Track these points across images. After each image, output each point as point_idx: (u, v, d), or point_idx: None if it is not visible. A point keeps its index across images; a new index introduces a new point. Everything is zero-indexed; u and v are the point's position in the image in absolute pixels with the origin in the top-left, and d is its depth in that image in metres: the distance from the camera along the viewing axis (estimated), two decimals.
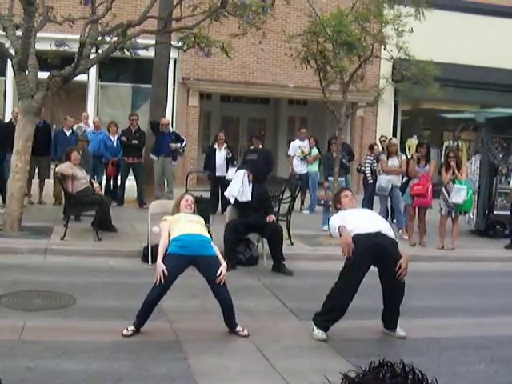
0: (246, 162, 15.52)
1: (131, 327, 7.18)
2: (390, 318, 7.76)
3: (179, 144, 17.17)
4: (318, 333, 7.47)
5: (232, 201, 11.56)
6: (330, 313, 7.47)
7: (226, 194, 11.74)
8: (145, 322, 7.25)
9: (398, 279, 7.37)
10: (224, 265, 7.43)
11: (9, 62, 13.88)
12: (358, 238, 7.46)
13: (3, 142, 14.53)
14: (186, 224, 7.68)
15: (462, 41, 23.07)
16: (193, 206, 8.13)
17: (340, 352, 7.10)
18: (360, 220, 7.75)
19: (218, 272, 7.30)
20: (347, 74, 13.51)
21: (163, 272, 7.09)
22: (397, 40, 13.09)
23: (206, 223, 11.62)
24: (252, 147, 17.15)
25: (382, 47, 13.82)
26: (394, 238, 7.83)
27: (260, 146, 17.15)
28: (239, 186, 11.48)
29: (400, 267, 7.31)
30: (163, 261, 7.25)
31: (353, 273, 7.37)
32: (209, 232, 11.06)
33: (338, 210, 8.30)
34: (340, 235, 7.54)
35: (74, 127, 17.08)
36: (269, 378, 6.28)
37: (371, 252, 7.41)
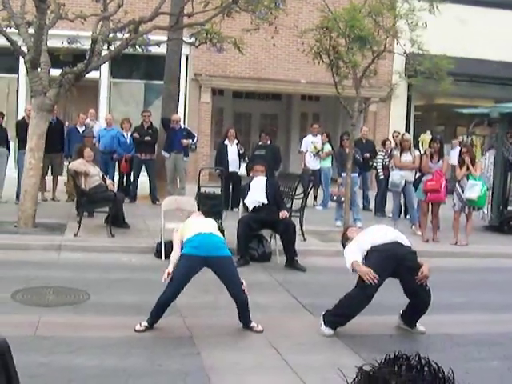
0: (254, 158, 15.50)
1: (144, 323, 7.20)
2: (414, 318, 7.76)
3: (191, 140, 17.18)
4: (325, 329, 7.48)
5: (251, 208, 11.47)
6: (340, 317, 7.48)
7: (246, 201, 11.59)
8: (157, 320, 7.27)
9: (420, 286, 7.36)
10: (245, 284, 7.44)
11: (21, 60, 13.90)
12: (374, 250, 7.46)
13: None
14: (198, 224, 7.70)
15: (477, 35, 22.89)
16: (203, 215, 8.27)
17: (353, 347, 7.09)
18: (372, 234, 7.76)
19: (243, 287, 7.34)
20: (360, 69, 13.44)
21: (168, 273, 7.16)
22: (410, 34, 13.01)
23: (218, 219, 11.70)
24: (261, 143, 17.13)
25: (395, 42, 13.75)
26: (410, 246, 7.80)
27: (269, 142, 17.11)
28: (262, 193, 11.42)
29: (422, 273, 7.31)
30: (178, 262, 7.29)
31: (369, 283, 7.34)
32: (221, 229, 11.13)
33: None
34: (353, 270, 7.51)
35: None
36: (281, 373, 6.28)
37: (388, 262, 7.40)
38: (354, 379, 1.04)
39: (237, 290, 7.35)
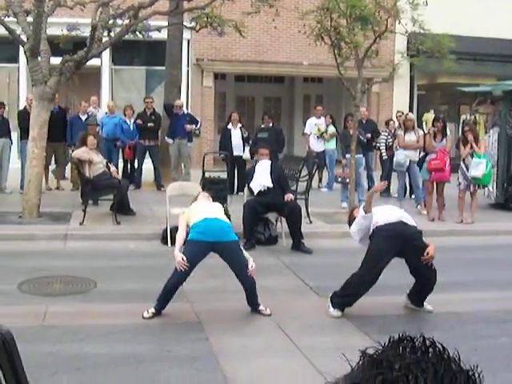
0: (257, 141, 15.46)
1: (151, 310, 7.21)
2: (421, 297, 7.76)
3: (194, 125, 17.15)
4: (333, 311, 7.49)
5: (256, 192, 11.45)
6: (347, 297, 7.50)
7: (252, 185, 11.59)
8: (165, 306, 7.27)
9: (426, 265, 7.36)
10: (252, 261, 7.42)
11: (21, 49, 13.87)
12: (380, 229, 7.46)
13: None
14: (204, 209, 7.68)
15: (478, 12, 22.73)
16: (210, 199, 8.19)
17: (361, 328, 7.10)
18: (377, 214, 7.74)
19: (250, 266, 7.31)
20: (362, 50, 13.37)
21: (183, 260, 7.10)
22: (411, 13, 12.93)
23: (224, 204, 11.69)
24: (263, 126, 17.09)
25: (397, 21, 13.66)
26: (416, 226, 7.79)
27: (271, 125, 17.07)
28: (268, 176, 11.41)
29: (427, 254, 7.31)
30: (185, 248, 7.27)
31: (375, 263, 7.34)
32: (227, 214, 11.12)
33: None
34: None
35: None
36: (290, 355, 6.29)
37: (394, 242, 7.39)
38: (358, 362, 1.03)
39: (244, 275, 7.35)
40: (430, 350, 1.03)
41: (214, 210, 7.75)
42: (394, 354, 1.02)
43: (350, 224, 8.04)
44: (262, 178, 11.38)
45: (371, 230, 7.57)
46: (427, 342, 1.04)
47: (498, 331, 7.20)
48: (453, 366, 1.01)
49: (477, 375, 1.01)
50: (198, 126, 17.43)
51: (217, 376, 5.72)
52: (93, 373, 5.67)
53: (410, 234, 7.54)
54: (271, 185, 11.30)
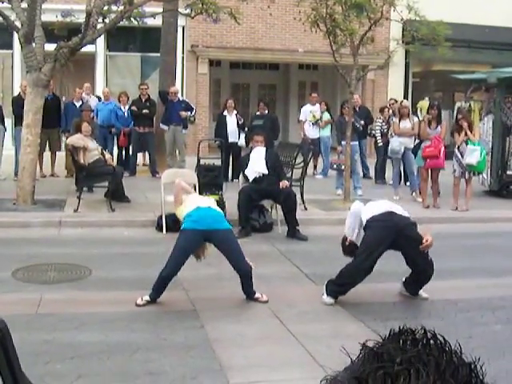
0: (252, 128, 15.43)
1: (145, 297, 7.20)
2: (417, 287, 7.77)
3: (189, 112, 17.10)
4: (326, 298, 7.51)
5: (251, 179, 11.42)
6: (341, 286, 7.50)
7: (247, 172, 11.56)
8: (160, 295, 7.26)
9: (422, 257, 7.35)
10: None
11: (15, 35, 13.79)
12: (373, 220, 7.47)
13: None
14: (196, 200, 7.70)
15: (474, 0, 22.72)
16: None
17: (357, 316, 7.11)
18: (371, 207, 7.78)
19: (250, 264, 7.37)
20: (357, 37, 13.36)
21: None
22: (407, 1, 12.90)
23: (219, 191, 11.69)
24: (258, 113, 17.05)
25: (392, 8, 13.63)
26: (409, 217, 7.78)
27: (266, 112, 17.04)
28: (263, 163, 11.38)
29: (427, 240, 7.30)
30: (178, 237, 7.31)
31: (370, 252, 7.34)
32: (222, 201, 11.13)
33: None
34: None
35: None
36: (286, 343, 6.30)
37: (387, 231, 7.39)
38: (358, 356, 1.02)
39: (239, 262, 7.35)
40: (431, 342, 1.02)
41: (207, 201, 7.76)
42: (395, 346, 1.01)
43: (344, 251, 7.97)
44: (257, 165, 11.36)
45: (364, 224, 7.57)
46: (428, 334, 1.03)
47: (492, 318, 7.22)
48: (455, 358, 0.99)
49: (479, 368, 1.00)
50: (193, 112, 17.38)
51: (212, 364, 5.72)
52: (87, 361, 5.66)
53: (403, 225, 7.54)
54: (266, 171, 11.28)
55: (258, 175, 11.31)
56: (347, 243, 7.79)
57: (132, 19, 13.64)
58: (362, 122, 16.61)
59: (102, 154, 13.29)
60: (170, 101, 16.81)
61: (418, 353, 0.98)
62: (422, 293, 7.79)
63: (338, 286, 7.49)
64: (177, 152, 17.31)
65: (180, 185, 7.80)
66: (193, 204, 7.49)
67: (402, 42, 16.08)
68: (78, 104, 16.39)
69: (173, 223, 9.80)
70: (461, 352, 1.01)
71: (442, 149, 13.44)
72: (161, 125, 17.12)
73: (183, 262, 7.22)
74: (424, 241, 7.32)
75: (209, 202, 7.73)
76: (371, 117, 17.75)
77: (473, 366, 0.99)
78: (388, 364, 0.97)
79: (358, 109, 16.86)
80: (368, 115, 17.60)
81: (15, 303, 7.18)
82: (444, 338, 1.02)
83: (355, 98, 16.99)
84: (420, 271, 7.55)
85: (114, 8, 13.35)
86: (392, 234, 7.38)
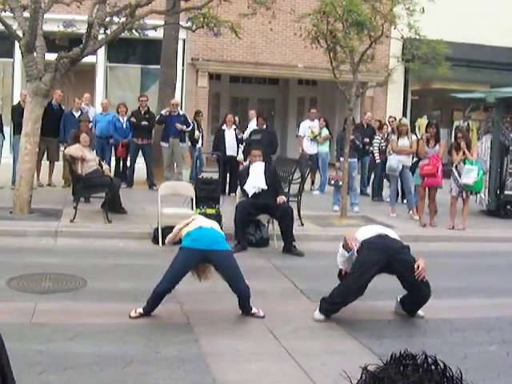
0: (250, 143, 15.43)
1: (139, 310, 7.16)
2: (414, 308, 7.74)
3: (185, 126, 17.02)
4: (317, 314, 7.49)
5: (250, 194, 11.40)
6: (332, 305, 7.48)
7: (246, 187, 11.52)
8: (153, 309, 7.22)
9: (419, 280, 7.33)
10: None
11: (17, 44, 13.81)
12: (365, 242, 7.49)
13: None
14: (199, 220, 7.63)
15: (473, 20, 22.81)
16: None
17: (351, 333, 7.08)
18: (363, 231, 7.78)
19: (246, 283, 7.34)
20: (357, 54, 13.39)
21: None
22: (407, 19, 12.95)
23: (216, 204, 11.65)
24: (256, 127, 17.04)
25: (393, 27, 13.67)
26: (401, 241, 7.78)
27: (265, 126, 17.05)
28: (262, 178, 11.37)
29: (418, 268, 7.27)
30: (176, 255, 7.26)
31: (362, 273, 7.33)
32: (219, 214, 11.11)
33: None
34: (344, 246, 7.60)
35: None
36: (280, 359, 6.26)
37: (379, 254, 7.37)
38: (359, 380, 1.01)
39: (238, 284, 7.28)
40: (433, 367, 1.01)
41: (209, 221, 7.71)
42: (397, 371, 1.00)
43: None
44: (256, 180, 11.35)
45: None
46: (429, 359, 1.02)
47: (488, 339, 7.19)
48: None
49: None
50: (189, 128, 17.27)
51: (205, 378, 5.69)
52: (80, 373, 5.62)
53: (396, 248, 7.55)
54: (266, 187, 11.27)
55: (257, 190, 11.30)
56: (343, 274, 7.79)
57: (133, 31, 13.69)
58: (367, 140, 16.64)
59: (100, 164, 13.29)
60: (169, 115, 16.80)
61: (419, 378, 0.97)
62: (419, 311, 7.77)
63: (330, 305, 7.48)
64: (175, 165, 17.30)
65: (169, 239, 7.78)
66: (196, 224, 7.45)
67: (402, 59, 16.13)
68: (76, 114, 16.39)
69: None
70: (461, 378, 1.00)
71: (440, 167, 13.46)
72: (161, 142, 17.10)
73: (179, 280, 7.17)
74: (416, 266, 7.28)
75: (212, 223, 7.68)
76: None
77: None
78: None
79: (365, 126, 16.92)
80: (373, 134, 17.64)
81: (9, 312, 7.14)
82: (445, 364, 1.01)
83: (368, 115, 17.06)
84: (417, 294, 7.52)
85: (115, 19, 13.40)
86: (384, 256, 7.37)
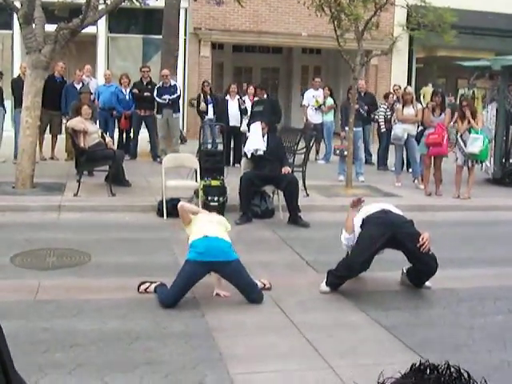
0: (253, 115, 15.28)
1: (151, 288, 7.09)
2: (421, 281, 7.70)
3: (168, 95, 16.52)
4: (323, 286, 7.47)
5: (249, 155, 11.37)
6: (338, 278, 7.45)
7: (245, 149, 11.50)
8: None
9: (424, 252, 7.26)
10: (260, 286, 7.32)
11: (15, 16, 13.63)
12: (368, 217, 7.50)
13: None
14: (205, 224, 7.30)
15: None
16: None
17: (358, 305, 7.05)
18: (366, 208, 7.76)
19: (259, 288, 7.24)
20: (362, 22, 13.23)
21: None
22: None
23: (220, 176, 11.54)
24: (257, 98, 16.80)
25: None
26: (405, 216, 7.72)
27: (265, 96, 16.86)
28: (260, 139, 11.31)
29: (423, 239, 7.21)
30: (183, 267, 7.05)
31: (366, 247, 7.28)
32: (223, 186, 11.01)
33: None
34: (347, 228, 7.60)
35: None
36: (287, 332, 6.24)
37: (383, 228, 7.33)
38: None
39: (250, 295, 7.07)
40: (454, 375, 0.94)
41: (215, 228, 7.32)
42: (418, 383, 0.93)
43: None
44: (254, 142, 11.30)
45: (361, 223, 7.54)
46: (452, 369, 0.95)
47: (494, 309, 7.16)
48: None
49: None
50: (173, 96, 16.74)
51: (212, 353, 5.65)
52: (86, 350, 5.58)
53: (400, 222, 7.52)
54: (264, 148, 11.20)
55: (256, 153, 11.23)
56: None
57: (134, 0, 13.51)
58: (366, 108, 16.50)
59: (103, 137, 13.17)
60: (162, 86, 16.46)
61: None
62: (426, 282, 7.72)
63: (335, 278, 7.45)
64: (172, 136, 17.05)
65: (182, 208, 7.54)
66: (200, 232, 7.14)
67: (407, 27, 15.94)
68: (78, 86, 16.20)
69: (173, 208, 9.69)
70: None
71: (446, 136, 13.37)
72: (155, 114, 16.73)
73: (185, 293, 6.92)
74: (420, 239, 7.22)
75: (217, 229, 7.31)
76: (376, 103, 17.64)
77: None
78: None
79: (363, 94, 16.76)
80: (373, 101, 17.50)
81: (13, 289, 7.10)
82: (469, 374, 0.94)
83: (360, 84, 16.89)
84: (424, 266, 7.45)
85: None
86: (388, 231, 7.31)
